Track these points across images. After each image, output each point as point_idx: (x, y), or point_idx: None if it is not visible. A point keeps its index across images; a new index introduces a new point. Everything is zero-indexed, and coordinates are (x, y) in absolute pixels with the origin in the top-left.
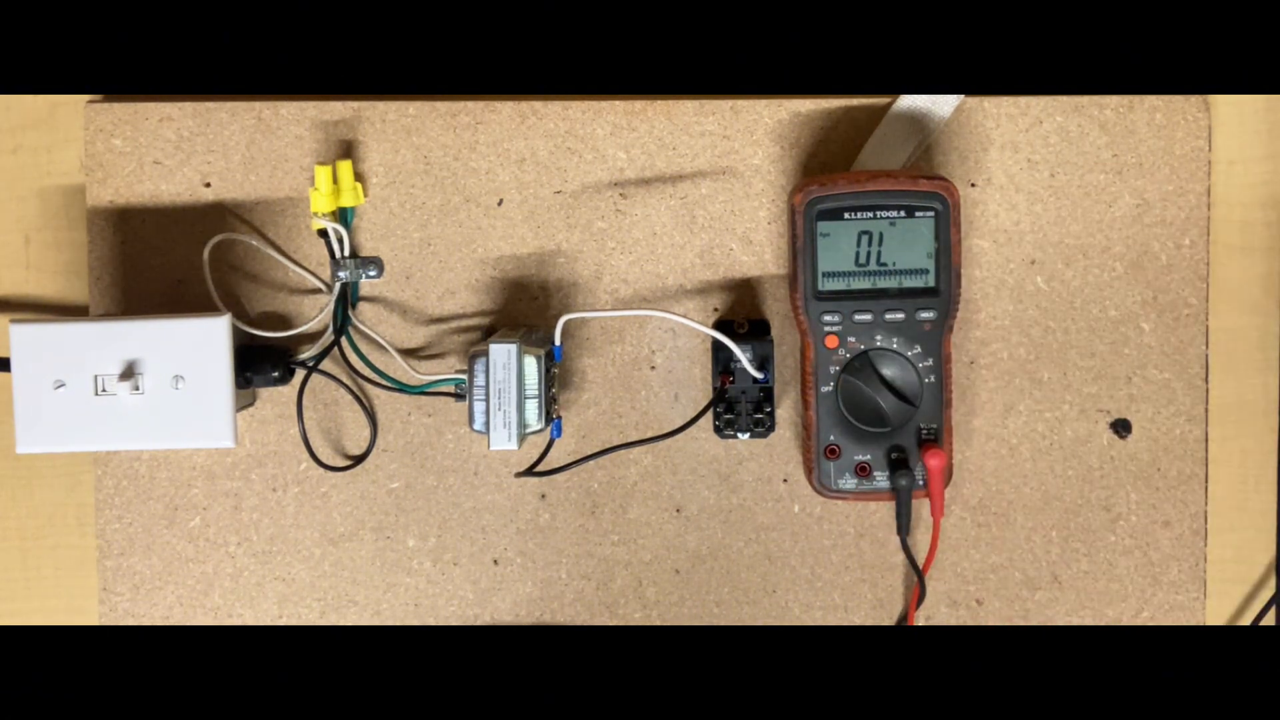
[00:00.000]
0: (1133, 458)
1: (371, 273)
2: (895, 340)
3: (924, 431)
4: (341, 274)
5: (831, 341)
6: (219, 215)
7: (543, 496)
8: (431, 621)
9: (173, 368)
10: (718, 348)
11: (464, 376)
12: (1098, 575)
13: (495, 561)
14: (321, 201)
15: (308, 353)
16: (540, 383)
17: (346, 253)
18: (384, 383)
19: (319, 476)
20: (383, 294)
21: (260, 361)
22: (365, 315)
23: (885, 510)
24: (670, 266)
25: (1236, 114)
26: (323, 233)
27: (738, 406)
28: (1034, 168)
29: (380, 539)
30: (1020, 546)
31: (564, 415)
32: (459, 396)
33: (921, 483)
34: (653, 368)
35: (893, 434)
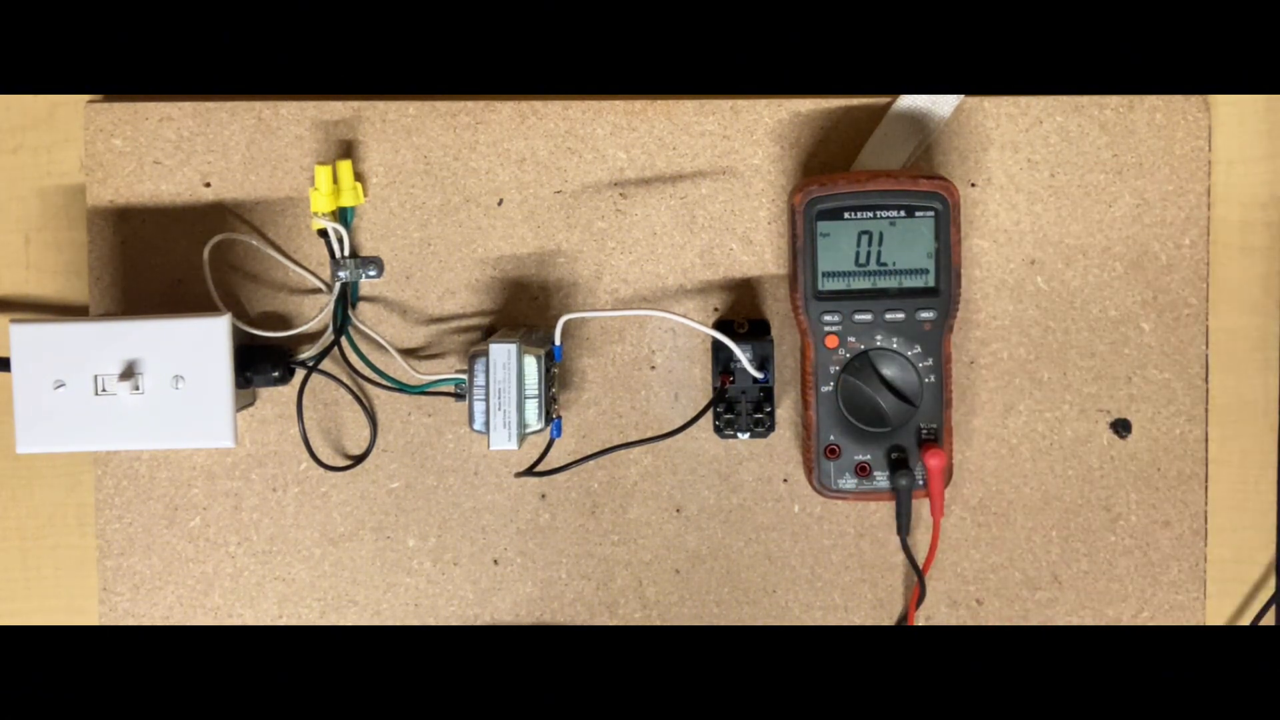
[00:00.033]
0: (1133, 458)
1: (371, 273)
2: (895, 340)
3: (924, 431)
4: (341, 274)
5: (831, 341)
6: (219, 215)
7: (543, 496)
8: (431, 621)
9: (173, 368)
10: (718, 348)
11: (464, 376)
12: (1098, 575)
13: (495, 561)
14: (321, 201)
15: (308, 353)
16: (540, 383)
17: (346, 253)
18: (384, 383)
19: (319, 476)
20: (383, 294)
21: (260, 361)
22: (365, 315)
23: (885, 510)
24: (670, 266)
25: (1236, 114)
26: (323, 233)
27: (738, 406)
28: (1034, 168)
29: (380, 539)
30: (1020, 546)
31: (564, 415)
32: (459, 396)
33: (921, 483)
34: (653, 368)
35: (893, 434)
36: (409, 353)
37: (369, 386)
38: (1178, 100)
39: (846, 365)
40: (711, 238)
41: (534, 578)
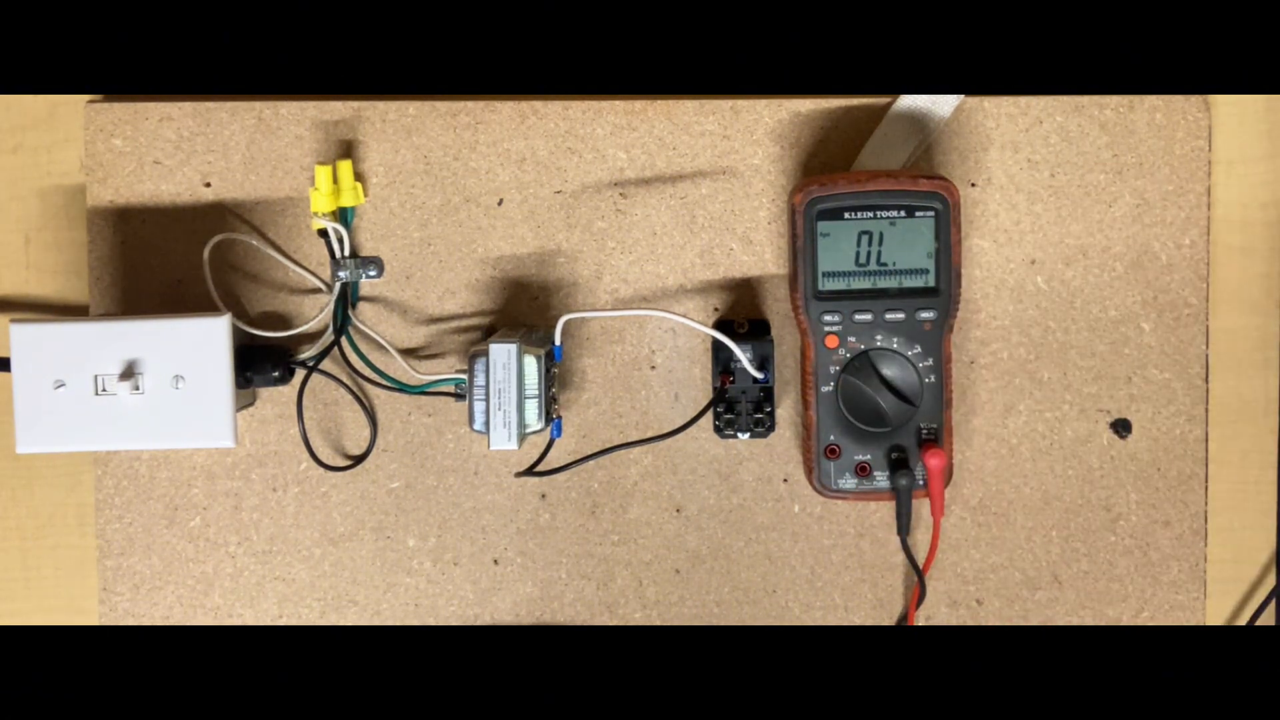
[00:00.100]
0: (1133, 458)
1: (371, 273)
2: (895, 340)
3: (924, 431)
4: (341, 274)
5: (831, 341)
6: (219, 215)
7: (543, 496)
8: (431, 621)
9: (173, 368)
10: (718, 348)
11: (464, 376)
12: (1098, 575)
13: (495, 561)
14: (321, 201)
15: (308, 353)
16: (540, 383)
17: (346, 253)
18: (384, 383)
19: (319, 476)
20: (383, 294)
21: (260, 361)
22: (365, 315)
23: (885, 510)
24: (670, 266)
25: (1236, 114)
26: (323, 233)
27: (738, 406)
28: (1034, 168)
29: (380, 539)
30: (1020, 546)
31: (564, 415)
32: (459, 396)
33: (921, 483)
34: (653, 368)
35: (893, 434)
36: (409, 353)
37: (369, 386)
38: (1178, 100)
39: (846, 365)
40: (711, 238)
41: (534, 578)
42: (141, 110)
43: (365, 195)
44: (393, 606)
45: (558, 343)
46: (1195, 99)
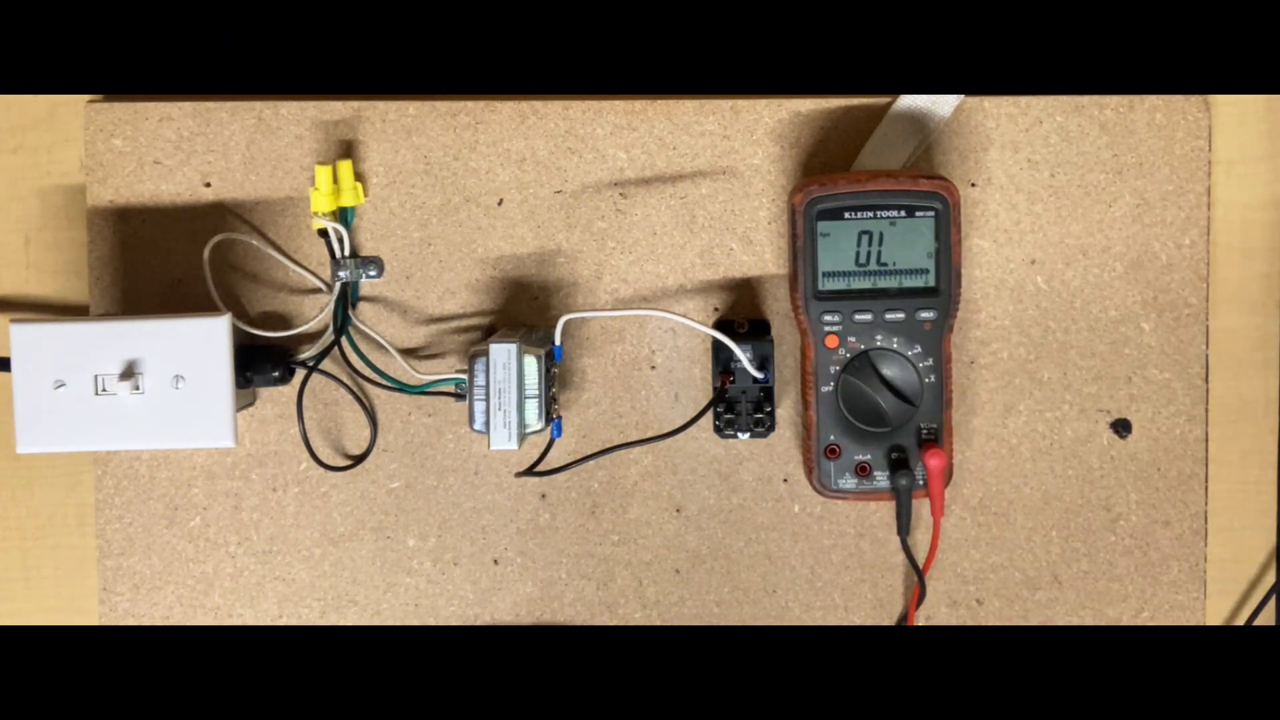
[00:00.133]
0: (1133, 458)
1: (371, 273)
2: (895, 340)
3: (924, 431)
4: (341, 274)
5: (831, 341)
6: (219, 215)
7: (543, 496)
8: (431, 621)
9: (173, 368)
10: (718, 348)
11: (464, 376)
12: (1098, 575)
13: (495, 561)
14: (321, 201)
15: (308, 352)
16: (540, 383)
17: (346, 253)
18: (384, 383)
19: (319, 476)
20: (383, 294)
21: (260, 361)
22: (365, 315)
23: (885, 510)
24: (670, 266)
25: (1236, 114)
26: (323, 232)
27: (738, 406)
28: (1034, 168)
29: (380, 539)
30: (1020, 546)
31: (564, 415)
32: (459, 396)
33: (921, 483)
34: (653, 368)
35: (893, 434)
36: (409, 353)
37: (369, 386)
38: (1178, 100)
39: (846, 365)
40: (711, 238)
41: (534, 578)
42: (141, 110)
43: (365, 195)
44: (393, 606)
45: (558, 343)
46: (1195, 99)
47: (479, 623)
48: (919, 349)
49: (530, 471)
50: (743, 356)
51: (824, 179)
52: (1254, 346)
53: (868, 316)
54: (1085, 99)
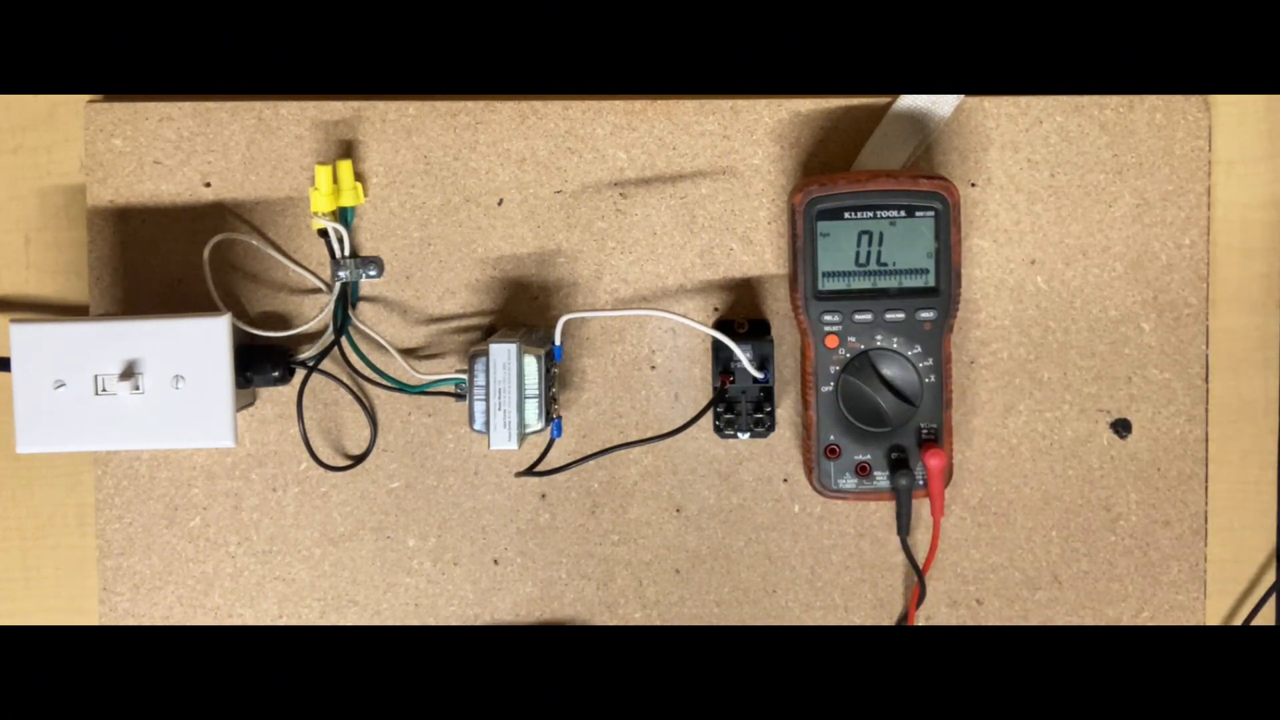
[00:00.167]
0: (1133, 458)
1: (371, 273)
2: (895, 340)
3: (924, 431)
4: (341, 274)
5: (831, 341)
6: (219, 215)
7: (543, 496)
8: (431, 621)
9: (173, 368)
10: (718, 348)
11: (464, 376)
12: (1098, 575)
13: (495, 561)
14: (321, 201)
15: (308, 352)
16: (540, 383)
17: (346, 253)
18: (384, 383)
19: (319, 476)
20: (383, 294)
21: (260, 361)
22: (365, 315)
23: (885, 510)
24: (670, 266)
25: (1236, 114)
26: (323, 232)
27: (738, 406)
28: (1034, 168)
29: (380, 539)
30: (1020, 546)
31: (564, 415)
32: (459, 396)
33: (921, 483)
34: (653, 368)
35: (893, 434)
36: (409, 353)
37: (369, 386)
38: (1178, 100)
39: (846, 365)
40: (711, 238)
41: (534, 578)
42: (141, 110)
43: (365, 195)
44: (393, 606)
45: (558, 343)
46: (1195, 99)
47: (479, 623)
48: (919, 349)
49: (530, 471)
50: (743, 356)
51: (824, 179)
52: (1254, 346)
53: (868, 316)
54: (1085, 99)
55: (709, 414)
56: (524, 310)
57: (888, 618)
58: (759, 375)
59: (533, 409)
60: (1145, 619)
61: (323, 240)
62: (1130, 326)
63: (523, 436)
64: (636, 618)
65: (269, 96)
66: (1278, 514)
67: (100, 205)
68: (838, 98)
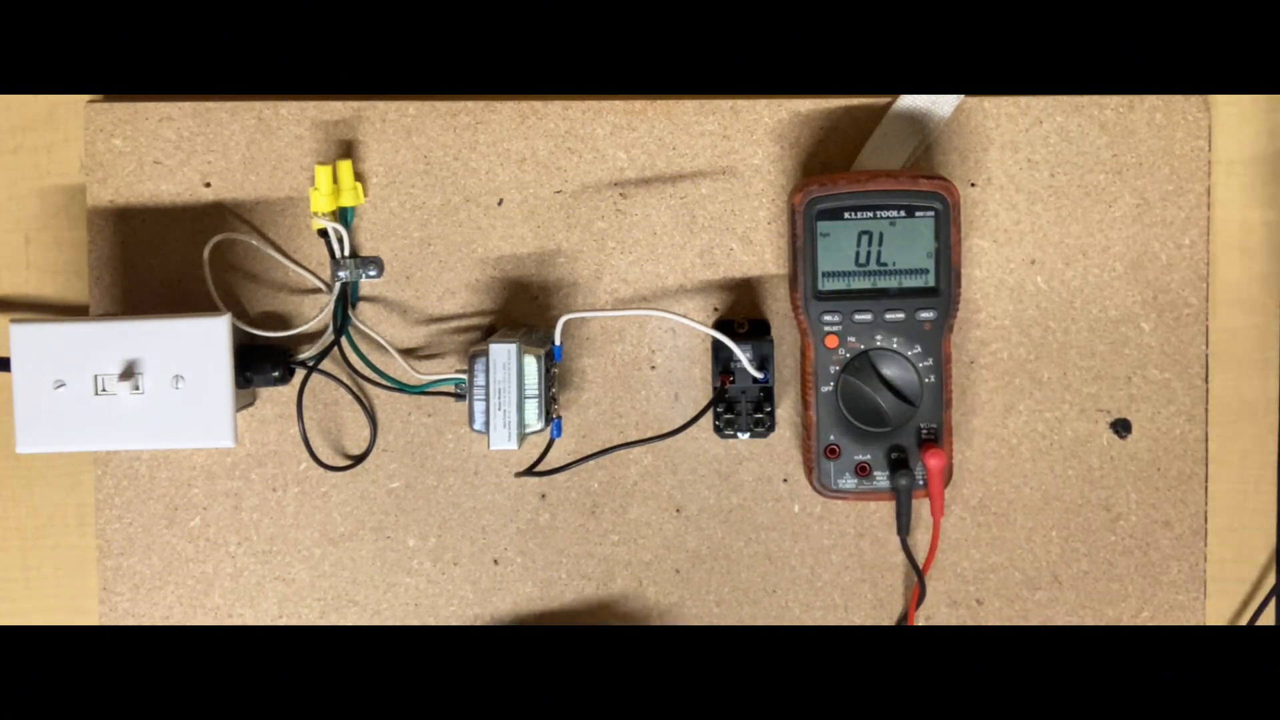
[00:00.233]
0: (1133, 458)
1: (371, 273)
2: (895, 340)
3: (924, 431)
4: (341, 274)
5: (831, 341)
6: (219, 215)
7: (543, 496)
8: (431, 621)
9: (173, 368)
10: (718, 348)
11: (464, 376)
12: (1098, 575)
13: (495, 561)
14: (321, 201)
15: (308, 352)
16: (540, 383)
17: (346, 253)
18: (384, 383)
19: (319, 476)
20: (383, 294)
21: (260, 361)
22: (365, 315)
23: (885, 510)
24: (670, 266)
25: (1236, 114)
26: (323, 232)
27: (738, 406)
28: (1034, 168)
29: (380, 539)
30: (1020, 546)
31: (564, 415)
32: (459, 396)
33: (921, 483)
34: (653, 368)
35: (893, 434)
36: (409, 353)
37: (369, 386)
38: (1178, 100)
39: (846, 365)
40: (711, 238)
41: (534, 578)
42: (141, 110)
43: (365, 195)
44: (393, 606)
45: (558, 343)
46: (1195, 99)
47: (479, 623)
48: (919, 349)
49: (530, 471)
50: (742, 356)
51: (824, 179)
52: (1254, 346)
53: (867, 316)
54: (1085, 99)
55: (709, 414)
56: (524, 310)
57: (888, 618)
58: (759, 375)
59: (533, 409)
60: (1145, 619)
61: (323, 240)
62: (1130, 326)
63: (523, 436)
64: (636, 618)
65: (269, 96)
66: (1278, 514)
67: (100, 205)
68: (838, 98)
